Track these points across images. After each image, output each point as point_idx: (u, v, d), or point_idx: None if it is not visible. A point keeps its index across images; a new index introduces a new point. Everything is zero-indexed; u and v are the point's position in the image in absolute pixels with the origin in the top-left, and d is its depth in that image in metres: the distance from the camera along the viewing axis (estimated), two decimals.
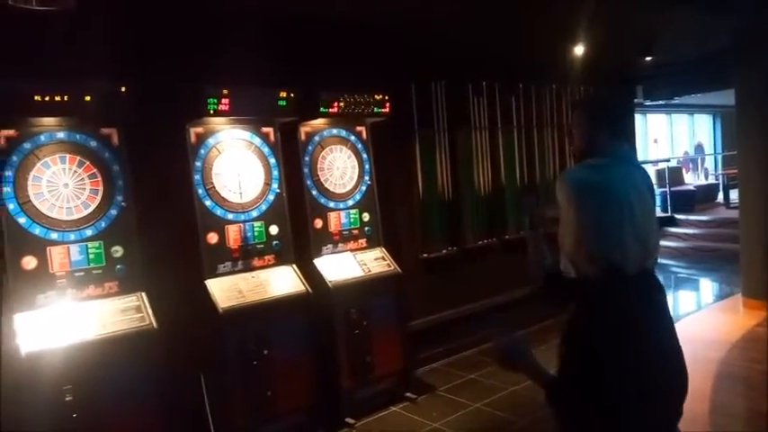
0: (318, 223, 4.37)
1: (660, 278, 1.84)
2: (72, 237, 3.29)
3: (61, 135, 3.34)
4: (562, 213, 1.67)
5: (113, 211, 3.43)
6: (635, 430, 1.64)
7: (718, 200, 12.83)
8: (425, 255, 5.42)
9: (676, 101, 11.57)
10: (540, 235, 1.88)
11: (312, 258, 4.28)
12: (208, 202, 3.86)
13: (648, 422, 1.66)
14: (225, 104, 3.76)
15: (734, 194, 10.32)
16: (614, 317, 1.58)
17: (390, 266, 4.52)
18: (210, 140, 3.92)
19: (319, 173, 4.42)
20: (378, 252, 4.58)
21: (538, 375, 1.81)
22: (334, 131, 4.56)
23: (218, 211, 3.89)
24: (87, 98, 3.27)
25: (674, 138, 16.51)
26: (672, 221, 10.98)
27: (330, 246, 4.40)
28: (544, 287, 1.78)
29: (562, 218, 1.68)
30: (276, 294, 3.90)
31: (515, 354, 1.85)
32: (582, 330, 1.64)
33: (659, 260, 2.50)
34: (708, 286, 8.57)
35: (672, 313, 1.80)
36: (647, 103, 10.82)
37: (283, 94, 4.03)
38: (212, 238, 3.84)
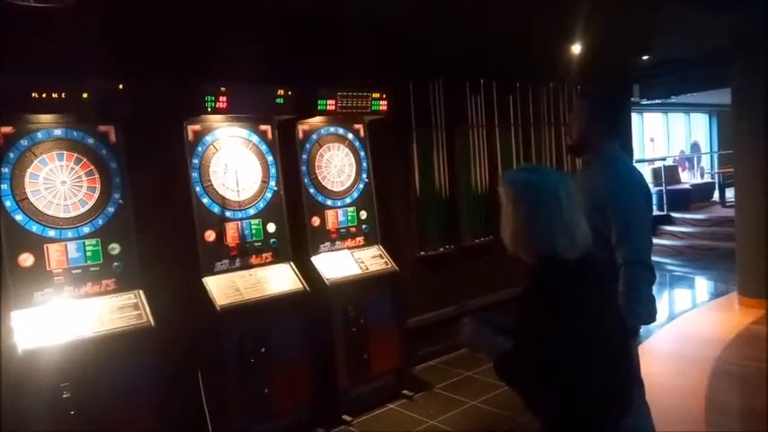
0: (316, 221, 4.37)
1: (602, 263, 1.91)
2: (69, 234, 3.29)
3: (58, 132, 3.33)
4: (503, 208, 1.79)
5: (111, 209, 3.43)
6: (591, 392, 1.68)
7: (714, 198, 12.87)
8: (423, 253, 5.42)
9: (673, 100, 11.59)
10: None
11: (309, 256, 4.28)
12: (205, 200, 3.85)
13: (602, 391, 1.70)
14: (223, 102, 3.76)
15: (730, 193, 10.38)
16: (557, 294, 1.68)
17: (388, 264, 4.52)
18: (208, 138, 3.92)
19: (317, 171, 4.42)
20: (375, 250, 4.59)
21: (492, 351, 1.85)
22: (332, 129, 4.56)
23: (216, 209, 3.89)
24: (85, 95, 3.27)
25: (670, 136, 16.55)
26: (668, 220, 11.01)
27: (327, 243, 4.40)
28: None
29: (502, 212, 1.79)
30: (273, 292, 3.90)
31: (474, 332, 1.91)
32: (530, 304, 1.75)
33: (654, 258, 2.53)
34: (703, 284, 8.59)
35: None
36: (644, 101, 10.86)
37: (281, 92, 4.02)
38: (210, 235, 3.84)
